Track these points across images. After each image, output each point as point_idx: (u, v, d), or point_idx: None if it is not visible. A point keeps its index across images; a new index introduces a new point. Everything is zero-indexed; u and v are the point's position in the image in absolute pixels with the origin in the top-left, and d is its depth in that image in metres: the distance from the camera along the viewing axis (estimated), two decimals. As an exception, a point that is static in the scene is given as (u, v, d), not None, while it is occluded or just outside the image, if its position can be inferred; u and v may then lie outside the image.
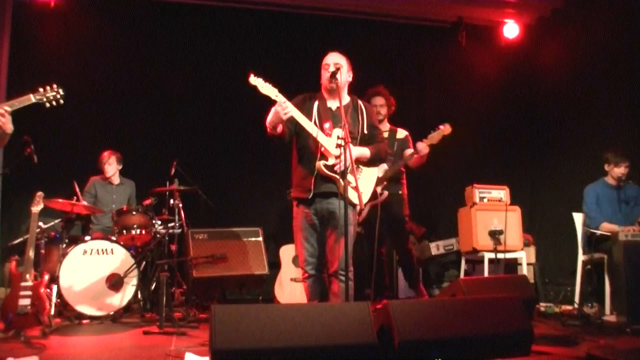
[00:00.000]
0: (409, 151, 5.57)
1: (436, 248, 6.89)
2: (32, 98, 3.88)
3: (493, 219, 5.84)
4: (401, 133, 5.82)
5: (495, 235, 5.72)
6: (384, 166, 5.53)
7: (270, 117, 3.92)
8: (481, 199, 6.15)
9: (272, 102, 3.86)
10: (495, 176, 6.69)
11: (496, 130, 7.83)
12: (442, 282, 6.90)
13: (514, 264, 6.18)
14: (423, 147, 5.40)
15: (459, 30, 7.80)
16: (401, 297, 6.47)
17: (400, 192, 5.70)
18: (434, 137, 5.43)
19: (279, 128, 3.96)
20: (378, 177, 5.45)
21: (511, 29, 7.82)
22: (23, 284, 4.54)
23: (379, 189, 5.45)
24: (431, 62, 7.77)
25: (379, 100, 5.74)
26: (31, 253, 4.66)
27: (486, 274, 5.88)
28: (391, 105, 5.80)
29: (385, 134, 5.71)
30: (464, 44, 7.80)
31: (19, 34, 6.91)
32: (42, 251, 5.29)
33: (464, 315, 3.03)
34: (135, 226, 5.59)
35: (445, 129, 5.42)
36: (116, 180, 6.38)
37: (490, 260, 5.86)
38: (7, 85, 6.78)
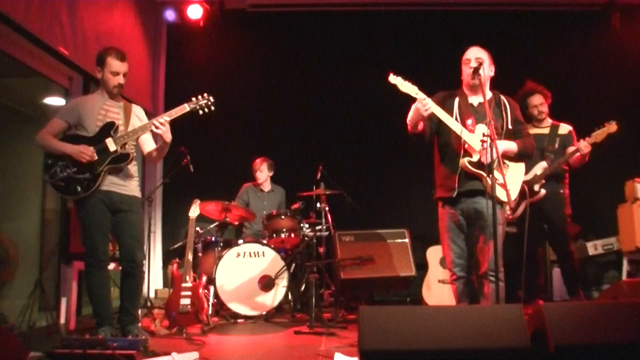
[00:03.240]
0: (571, 149, 5.31)
1: (594, 248, 6.47)
2: (186, 107, 4.16)
3: (659, 216, 5.38)
4: (564, 128, 5.53)
5: (661, 233, 5.27)
6: (542, 164, 5.32)
7: (411, 115, 3.89)
8: (644, 193, 5.68)
9: (413, 101, 3.83)
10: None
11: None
12: (602, 284, 6.46)
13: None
14: (585, 145, 5.17)
15: (611, 12, 7.28)
16: (556, 300, 6.15)
17: (561, 191, 5.45)
18: (598, 135, 5.19)
19: (420, 126, 3.92)
20: (536, 175, 5.26)
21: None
22: (184, 284, 4.87)
23: (536, 187, 5.24)
24: (582, 51, 7.31)
25: (537, 99, 5.51)
26: (190, 256, 4.98)
27: (652, 275, 5.44)
28: (549, 100, 5.55)
29: (546, 130, 5.52)
30: (618, 27, 7.27)
31: (173, 52, 7.51)
32: (200, 254, 5.63)
33: (628, 320, 2.81)
34: (284, 229, 5.78)
35: (610, 126, 5.17)
36: (267, 187, 6.65)
37: (657, 261, 5.41)
38: (164, 98, 7.37)
